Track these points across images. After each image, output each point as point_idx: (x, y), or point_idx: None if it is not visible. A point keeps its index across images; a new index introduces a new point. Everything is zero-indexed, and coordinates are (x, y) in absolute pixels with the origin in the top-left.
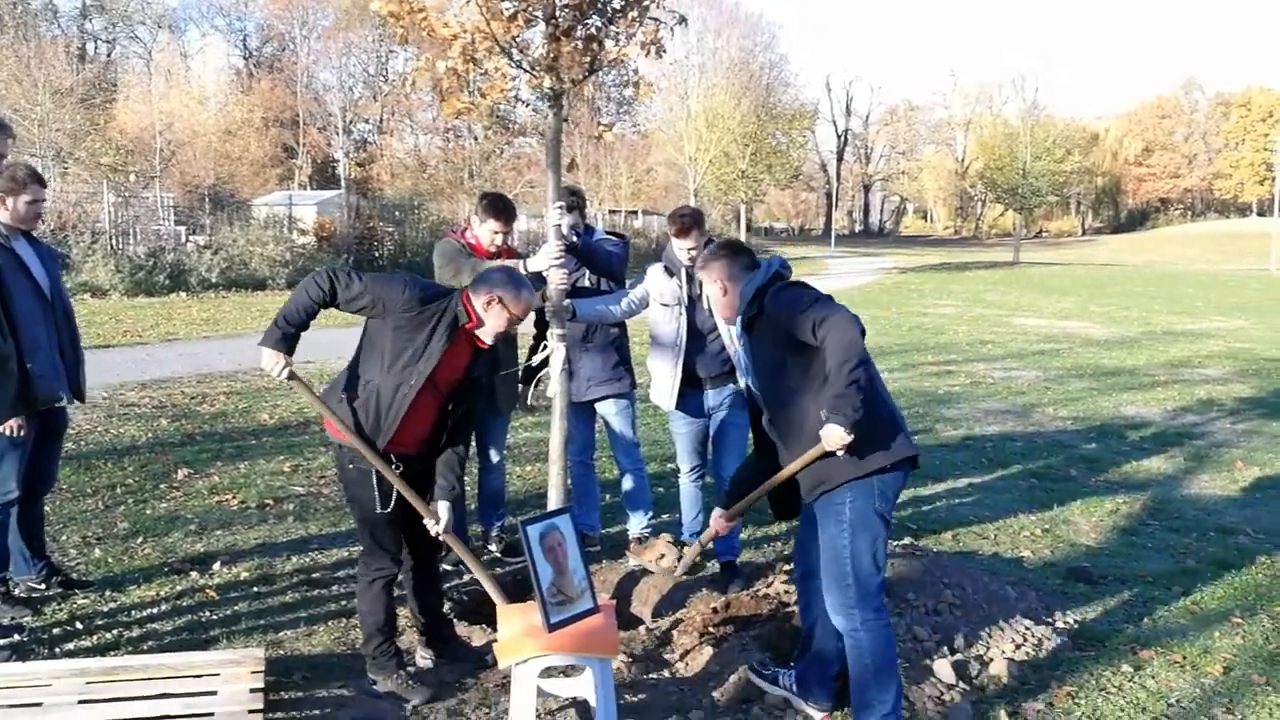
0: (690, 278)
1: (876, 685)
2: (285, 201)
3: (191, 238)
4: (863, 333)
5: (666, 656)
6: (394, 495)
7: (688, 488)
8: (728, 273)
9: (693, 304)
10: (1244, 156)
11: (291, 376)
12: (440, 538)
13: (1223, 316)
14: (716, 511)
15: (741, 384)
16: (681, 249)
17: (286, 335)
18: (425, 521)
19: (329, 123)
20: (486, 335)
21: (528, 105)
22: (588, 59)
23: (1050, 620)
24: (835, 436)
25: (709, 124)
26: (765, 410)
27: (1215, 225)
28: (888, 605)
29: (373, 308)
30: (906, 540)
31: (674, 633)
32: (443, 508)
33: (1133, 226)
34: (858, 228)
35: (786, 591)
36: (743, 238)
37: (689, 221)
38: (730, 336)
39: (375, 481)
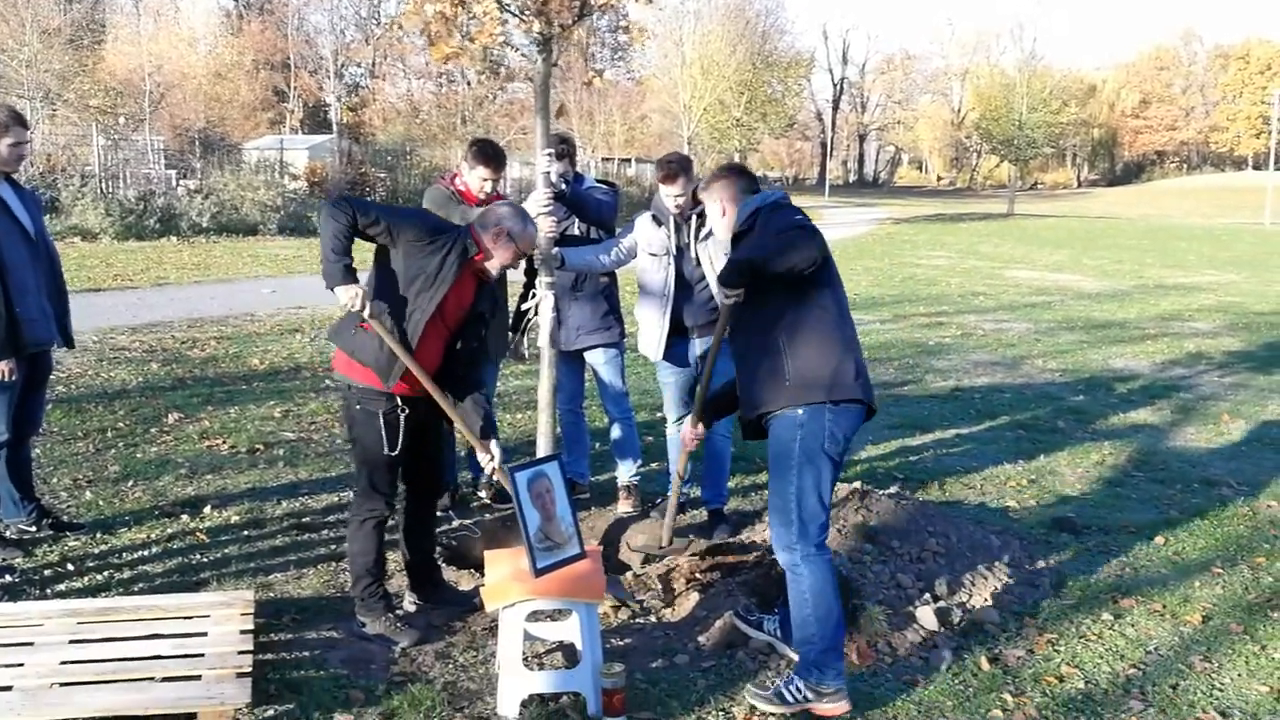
0: (678, 227)
1: (816, 620)
2: (276, 146)
3: (182, 182)
4: (821, 249)
5: (653, 602)
6: (400, 438)
7: (674, 437)
8: (729, 194)
9: (680, 253)
10: (1241, 109)
11: (365, 308)
12: (494, 475)
13: (1215, 270)
14: (686, 423)
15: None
16: (669, 195)
17: (347, 267)
18: (479, 456)
19: (320, 66)
20: (493, 267)
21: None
22: (577, 3)
23: (1033, 568)
24: (717, 290)
25: (704, 71)
26: (730, 322)
27: (1211, 179)
28: (871, 551)
29: (386, 234)
30: (893, 489)
31: (660, 578)
32: (494, 445)
33: (1128, 179)
34: (852, 178)
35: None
36: None
37: (675, 168)
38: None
39: (382, 423)
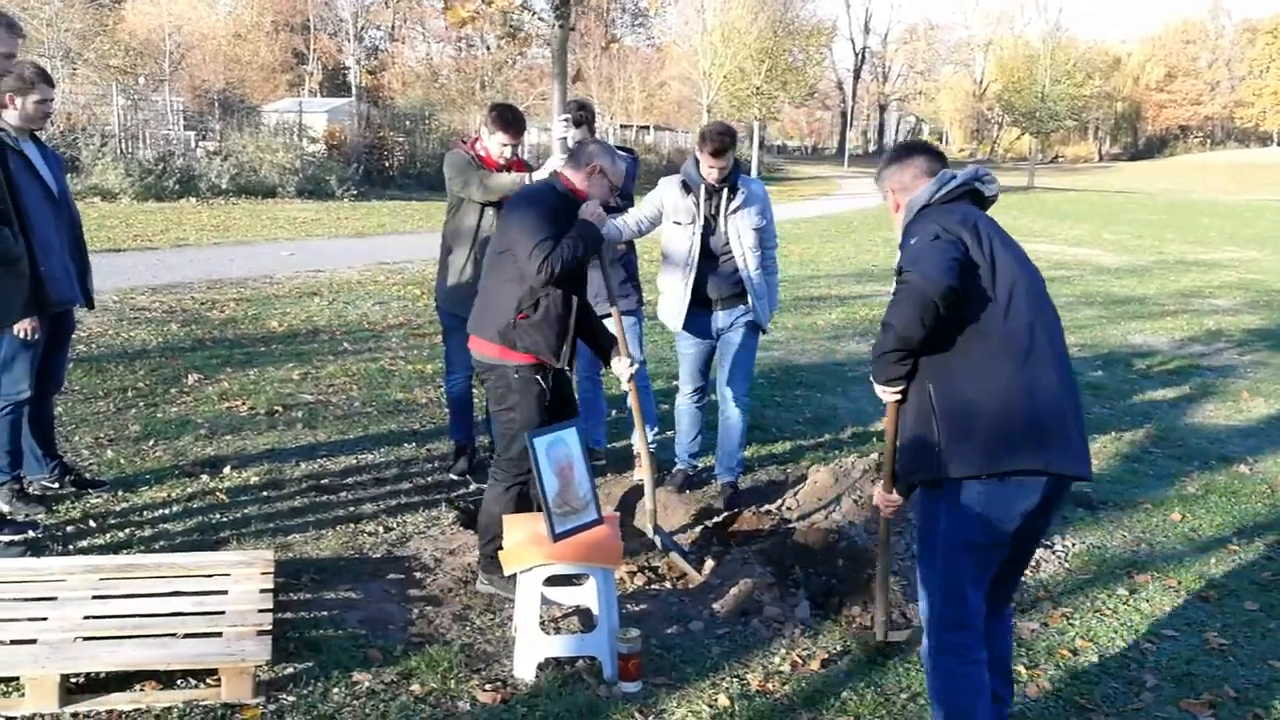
0: (709, 195)
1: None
2: (295, 108)
3: (201, 143)
4: (943, 296)
5: (669, 568)
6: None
7: (687, 408)
8: (898, 181)
9: (708, 223)
10: (1267, 84)
11: None
12: (628, 384)
13: (1236, 247)
14: (879, 488)
15: (756, 308)
16: (714, 168)
17: (585, 230)
18: (618, 365)
19: (340, 28)
20: (591, 202)
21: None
22: None
23: (1049, 543)
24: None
25: (724, 38)
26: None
27: (1234, 154)
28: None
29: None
30: None
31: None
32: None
33: (1151, 154)
34: (872, 148)
35: (788, 509)
36: (755, 156)
37: (729, 141)
38: (744, 258)
39: (536, 393)
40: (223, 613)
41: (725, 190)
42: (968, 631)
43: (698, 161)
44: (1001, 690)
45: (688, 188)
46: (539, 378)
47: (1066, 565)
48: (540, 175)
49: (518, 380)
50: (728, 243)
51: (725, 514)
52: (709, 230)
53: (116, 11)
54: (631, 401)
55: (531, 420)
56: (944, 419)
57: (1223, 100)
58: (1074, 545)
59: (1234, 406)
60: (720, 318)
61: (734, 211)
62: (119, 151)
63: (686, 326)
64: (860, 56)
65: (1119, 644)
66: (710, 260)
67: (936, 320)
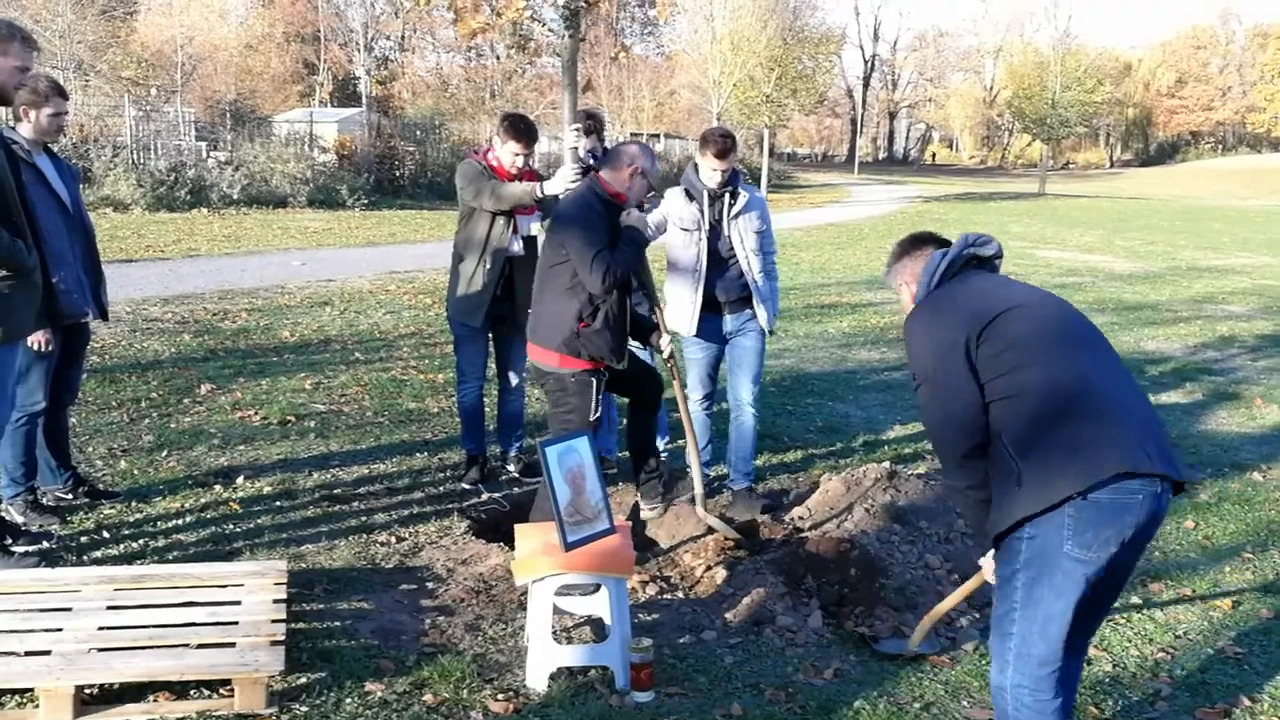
0: (712, 201)
1: None
2: (306, 119)
3: (212, 154)
4: (967, 451)
5: (681, 577)
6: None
7: (697, 415)
8: (909, 274)
9: (713, 229)
10: (1279, 90)
11: None
12: (668, 361)
13: (1249, 252)
14: (986, 560)
15: (760, 312)
16: (716, 171)
17: (634, 238)
18: (658, 340)
19: (350, 39)
20: (631, 204)
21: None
22: None
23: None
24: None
25: (734, 47)
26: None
27: (1246, 160)
28: (899, 532)
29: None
30: (922, 469)
31: (689, 555)
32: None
33: (1162, 159)
34: (882, 155)
35: (800, 517)
36: (765, 163)
37: (730, 143)
38: (748, 261)
39: (594, 389)
40: (236, 623)
41: (727, 195)
42: (1045, 671)
43: (697, 168)
44: None
45: (690, 195)
46: (594, 380)
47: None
48: (550, 188)
49: (574, 384)
50: (732, 247)
51: (739, 522)
52: (715, 235)
53: (129, 23)
54: (671, 366)
55: (587, 417)
56: (1020, 460)
57: (1234, 106)
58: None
59: (1247, 413)
60: (728, 321)
61: (736, 216)
62: (131, 162)
63: (698, 332)
64: (870, 64)
65: (1134, 653)
66: (719, 265)
67: (976, 440)
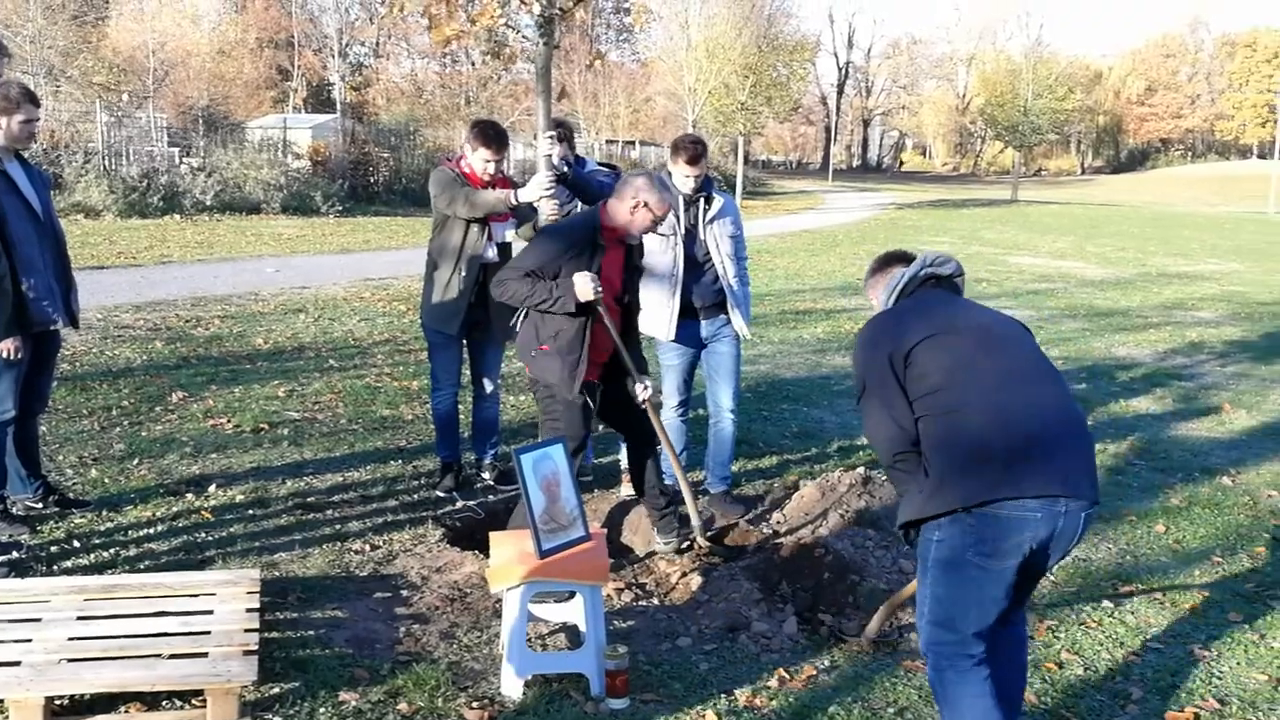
0: (686, 207)
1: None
2: (280, 125)
3: (185, 160)
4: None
5: (656, 584)
6: (592, 415)
7: (673, 422)
8: (876, 291)
9: (689, 234)
10: (1247, 98)
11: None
12: (644, 404)
13: (1218, 259)
14: None
15: (735, 317)
16: (689, 177)
17: (563, 280)
18: (635, 388)
19: (324, 45)
20: (633, 239)
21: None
22: None
23: None
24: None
25: (709, 54)
26: None
27: (1215, 167)
28: (874, 537)
29: (554, 272)
30: None
31: (664, 561)
32: (646, 380)
33: (1132, 166)
34: (856, 163)
35: (777, 523)
36: (740, 170)
37: (701, 149)
38: (723, 265)
39: (580, 409)
40: (208, 633)
41: (701, 200)
42: (963, 636)
43: (670, 175)
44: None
45: (668, 188)
46: (581, 400)
47: (1051, 577)
48: (525, 195)
49: (555, 403)
50: (708, 252)
51: (714, 528)
52: (690, 240)
53: (100, 29)
54: (649, 408)
55: (575, 432)
56: (930, 469)
57: (1203, 113)
58: (1060, 557)
59: (1216, 418)
60: (704, 326)
61: (711, 221)
62: (102, 168)
63: (675, 336)
64: (844, 71)
65: (1104, 656)
66: (694, 270)
67: (903, 448)
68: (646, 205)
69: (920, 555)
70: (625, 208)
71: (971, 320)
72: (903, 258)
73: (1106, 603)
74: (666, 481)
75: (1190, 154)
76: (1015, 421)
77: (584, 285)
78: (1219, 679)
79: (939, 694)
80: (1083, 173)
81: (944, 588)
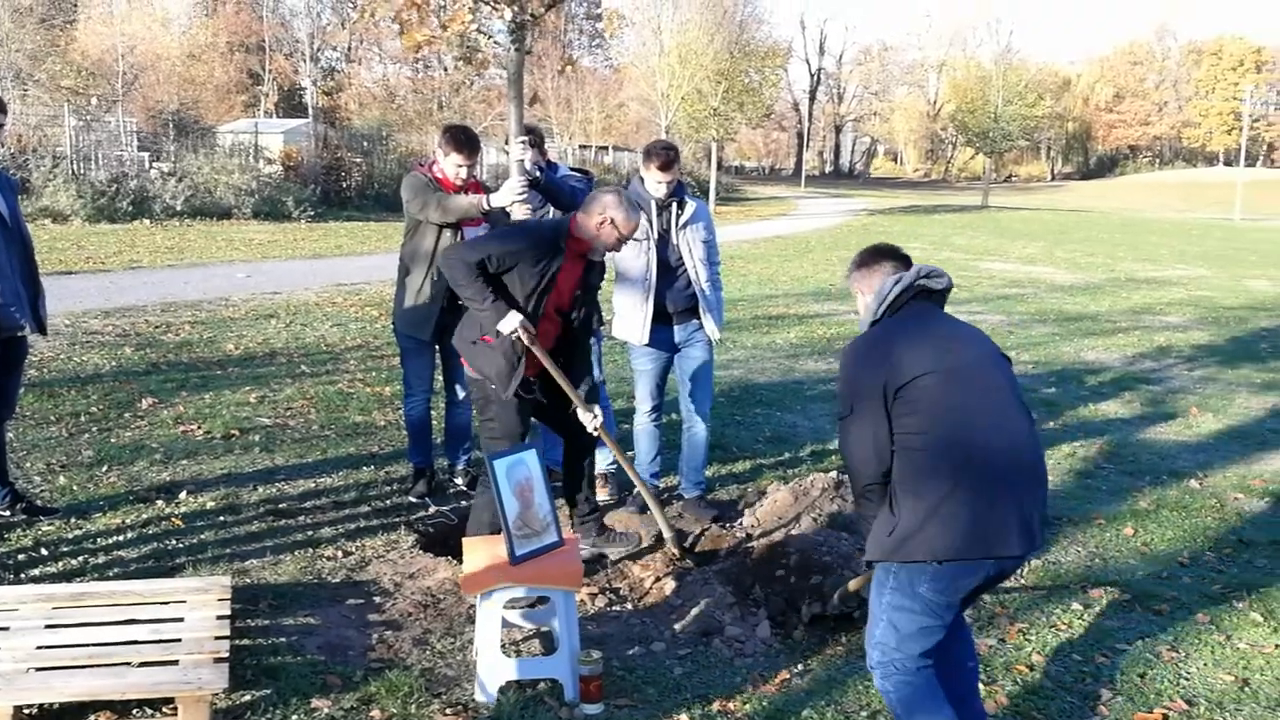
0: (659, 212)
1: None
2: (251, 129)
3: (155, 164)
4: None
5: (630, 589)
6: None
7: (646, 427)
8: (868, 284)
9: (662, 239)
10: (1213, 105)
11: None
12: (596, 431)
13: (1185, 265)
14: None
15: (707, 321)
16: (661, 183)
17: (503, 299)
18: (582, 415)
19: (296, 49)
20: (596, 255)
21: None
22: None
23: None
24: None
25: (681, 60)
26: None
27: (1182, 174)
28: (848, 540)
29: (506, 268)
30: None
31: (637, 566)
32: (596, 409)
33: (1101, 173)
34: (828, 168)
35: (750, 527)
36: (713, 176)
37: (674, 155)
38: (696, 270)
39: (516, 406)
40: (179, 640)
41: (674, 205)
42: (914, 652)
43: (643, 180)
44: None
45: (637, 207)
46: (519, 397)
47: (1022, 580)
48: (497, 200)
49: (495, 391)
50: (680, 257)
51: (688, 533)
52: (663, 245)
53: (68, 32)
54: (601, 434)
55: (510, 430)
56: (899, 510)
57: (1170, 121)
58: (1029, 561)
59: (1184, 422)
60: (677, 331)
61: (684, 226)
62: (71, 173)
63: (649, 341)
64: (815, 78)
65: (1075, 658)
66: (667, 275)
67: (878, 478)
68: (613, 222)
69: (877, 580)
70: (593, 222)
71: (966, 356)
72: (891, 253)
73: (1076, 605)
74: (653, 483)
75: (1158, 161)
76: (990, 474)
77: (509, 322)
78: (1186, 680)
79: (892, 702)
80: (1053, 179)
81: (897, 615)
